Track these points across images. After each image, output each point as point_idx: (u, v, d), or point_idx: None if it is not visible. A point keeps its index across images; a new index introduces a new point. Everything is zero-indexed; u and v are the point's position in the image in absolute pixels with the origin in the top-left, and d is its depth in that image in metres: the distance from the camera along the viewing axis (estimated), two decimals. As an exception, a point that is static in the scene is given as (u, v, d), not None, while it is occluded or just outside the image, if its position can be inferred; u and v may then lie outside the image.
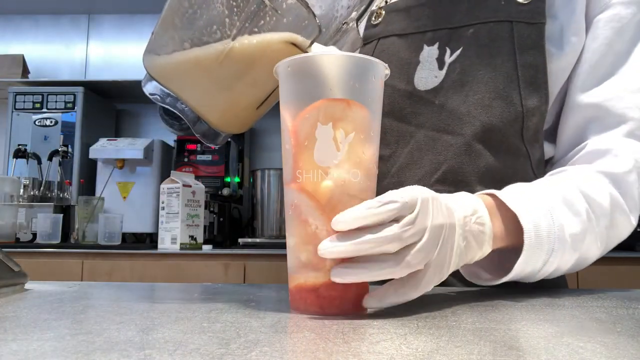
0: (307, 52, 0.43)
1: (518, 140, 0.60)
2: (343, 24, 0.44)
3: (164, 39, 0.46)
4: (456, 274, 0.48)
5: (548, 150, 0.65)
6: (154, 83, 0.47)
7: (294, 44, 0.42)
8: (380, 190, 0.64)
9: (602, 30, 0.60)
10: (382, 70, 0.39)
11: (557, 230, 0.47)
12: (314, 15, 0.41)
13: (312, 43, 0.42)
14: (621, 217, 0.55)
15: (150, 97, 0.48)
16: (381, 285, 0.38)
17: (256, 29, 0.42)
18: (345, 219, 0.35)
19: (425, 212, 0.36)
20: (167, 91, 0.47)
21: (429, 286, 0.38)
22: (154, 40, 0.47)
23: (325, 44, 0.44)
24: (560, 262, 0.49)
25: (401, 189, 0.37)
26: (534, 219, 0.46)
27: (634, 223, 0.56)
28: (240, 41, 0.42)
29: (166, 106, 0.48)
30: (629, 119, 0.58)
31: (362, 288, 0.38)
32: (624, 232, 0.56)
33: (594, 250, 0.53)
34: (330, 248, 0.34)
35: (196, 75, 0.45)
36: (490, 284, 0.49)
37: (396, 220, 0.35)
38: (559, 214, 0.48)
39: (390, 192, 0.36)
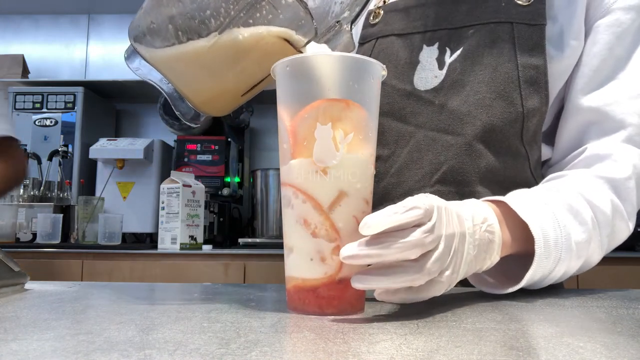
0: (301, 51, 0.43)
1: (518, 141, 0.60)
2: (336, 22, 0.44)
3: (152, 16, 0.45)
4: None
5: (545, 152, 0.65)
6: (139, 58, 0.47)
7: (288, 41, 0.42)
8: (379, 191, 0.64)
9: (603, 35, 0.60)
10: (379, 70, 0.39)
11: (565, 240, 0.47)
12: (312, 17, 0.41)
13: (307, 43, 0.42)
14: (621, 224, 0.55)
15: (134, 71, 0.48)
16: None
17: (251, 21, 0.42)
18: (373, 223, 0.34)
19: (440, 220, 0.37)
20: (151, 67, 0.46)
21: (439, 292, 0.39)
22: (142, 17, 0.45)
23: (317, 41, 0.44)
24: (566, 270, 0.49)
25: (416, 196, 0.37)
26: (543, 228, 0.46)
27: (631, 228, 0.57)
28: (233, 30, 0.42)
29: (148, 81, 0.47)
30: (627, 125, 0.58)
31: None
32: (622, 237, 0.57)
33: (596, 256, 0.53)
34: (357, 251, 0.34)
35: (185, 59, 0.45)
36: (497, 292, 0.48)
37: (417, 226, 0.35)
38: (566, 223, 0.48)
39: (409, 198, 0.36)
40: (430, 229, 0.35)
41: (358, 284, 0.35)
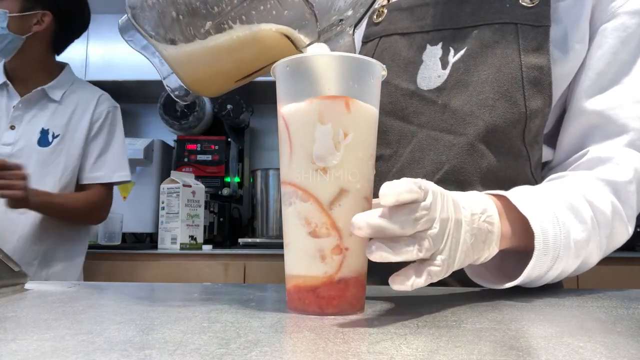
0: (301, 51, 0.43)
1: (519, 142, 0.61)
2: (340, 21, 0.44)
3: None
4: (456, 276, 0.48)
5: (546, 153, 0.65)
6: (134, 30, 0.46)
7: (289, 38, 0.42)
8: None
9: (608, 38, 0.60)
10: (379, 70, 0.39)
11: (564, 238, 0.47)
12: (316, 20, 0.41)
13: (308, 45, 0.42)
14: (620, 226, 0.56)
15: (127, 41, 0.47)
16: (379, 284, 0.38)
17: (254, 12, 0.41)
18: (390, 192, 0.34)
19: (435, 203, 0.37)
20: (145, 42, 0.46)
21: (437, 277, 0.38)
22: None
23: (317, 39, 0.43)
24: (564, 268, 0.49)
25: (413, 179, 0.37)
26: (542, 224, 0.46)
27: (630, 232, 0.57)
28: (234, 20, 0.42)
29: (140, 52, 0.47)
30: (630, 129, 0.58)
31: (360, 288, 0.38)
32: (621, 240, 0.57)
33: (595, 257, 0.54)
34: (368, 220, 0.34)
35: (187, 53, 0.44)
36: (494, 287, 0.48)
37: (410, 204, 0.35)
38: (565, 221, 0.48)
39: (406, 178, 0.36)
40: (426, 207, 0.36)
41: (375, 255, 0.34)
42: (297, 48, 0.43)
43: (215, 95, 0.50)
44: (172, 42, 0.44)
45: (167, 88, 0.49)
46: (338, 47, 0.44)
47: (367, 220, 0.34)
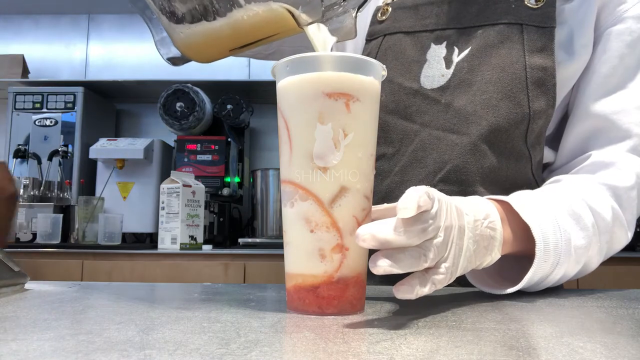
0: (301, 29, 0.43)
1: (521, 142, 0.61)
2: (343, 0, 0.43)
3: None
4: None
5: (547, 154, 0.65)
6: None
7: (292, 15, 0.42)
8: (383, 189, 0.65)
9: (614, 42, 0.60)
10: (379, 70, 0.39)
11: (564, 244, 0.47)
12: (321, 0, 0.40)
13: (310, 24, 0.42)
14: (620, 232, 0.56)
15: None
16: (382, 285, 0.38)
17: None
18: (409, 206, 0.34)
19: (440, 211, 0.37)
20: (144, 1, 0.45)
21: (441, 285, 0.38)
22: None
23: (320, 19, 0.43)
24: (564, 273, 0.49)
25: (418, 187, 0.37)
26: (543, 230, 0.46)
27: (630, 237, 0.58)
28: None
29: (135, 9, 0.47)
30: (633, 135, 0.59)
31: (360, 288, 0.38)
32: (620, 245, 0.57)
33: (595, 262, 0.54)
34: (373, 232, 0.33)
35: (194, 29, 0.44)
36: (496, 292, 0.48)
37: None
38: (566, 227, 0.48)
39: (414, 187, 0.36)
40: (432, 217, 0.35)
41: (378, 269, 0.34)
42: (299, 25, 0.42)
43: (207, 62, 0.49)
44: (173, 13, 0.44)
45: (159, 51, 0.48)
46: (339, 29, 0.44)
47: (373, 232, 0.34)
